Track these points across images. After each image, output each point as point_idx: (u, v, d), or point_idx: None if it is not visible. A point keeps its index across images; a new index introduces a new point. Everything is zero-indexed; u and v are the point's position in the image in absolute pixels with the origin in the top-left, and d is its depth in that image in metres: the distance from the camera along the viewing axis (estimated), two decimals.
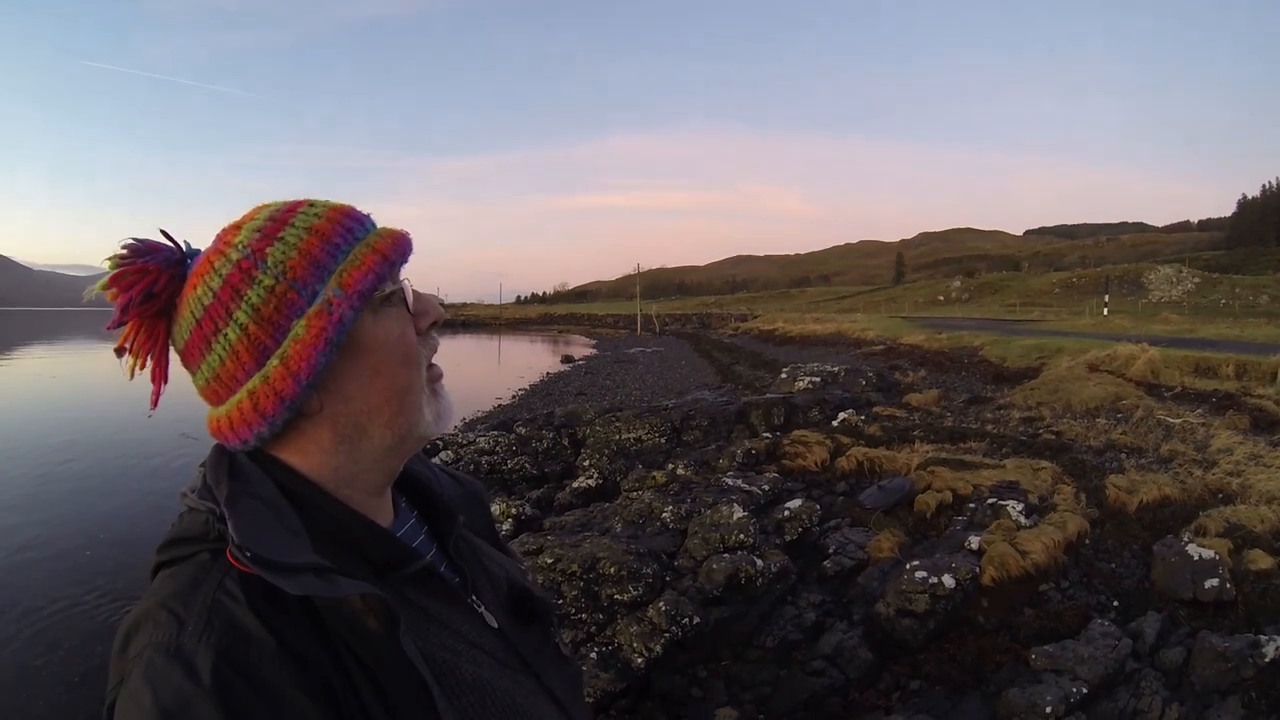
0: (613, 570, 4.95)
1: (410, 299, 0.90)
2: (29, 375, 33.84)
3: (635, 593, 4.81)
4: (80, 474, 12.63)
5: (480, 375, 30.86)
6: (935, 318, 49.58)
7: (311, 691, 0.69)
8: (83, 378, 31.90)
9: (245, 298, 0.81)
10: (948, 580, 4.79)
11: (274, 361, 0.81)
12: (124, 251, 0.84)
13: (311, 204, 0.89)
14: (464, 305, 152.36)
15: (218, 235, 0.86)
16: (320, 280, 0.83)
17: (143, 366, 0.87)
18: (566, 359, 36.53)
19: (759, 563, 5.11)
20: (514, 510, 8.29)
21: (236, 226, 0.86)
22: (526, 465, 10.91)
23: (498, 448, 11.48)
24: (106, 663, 0.75)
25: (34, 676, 5.84)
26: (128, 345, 0.85)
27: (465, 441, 12.02)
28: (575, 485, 9.31)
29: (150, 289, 0.82)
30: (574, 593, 4.87)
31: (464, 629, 0.89)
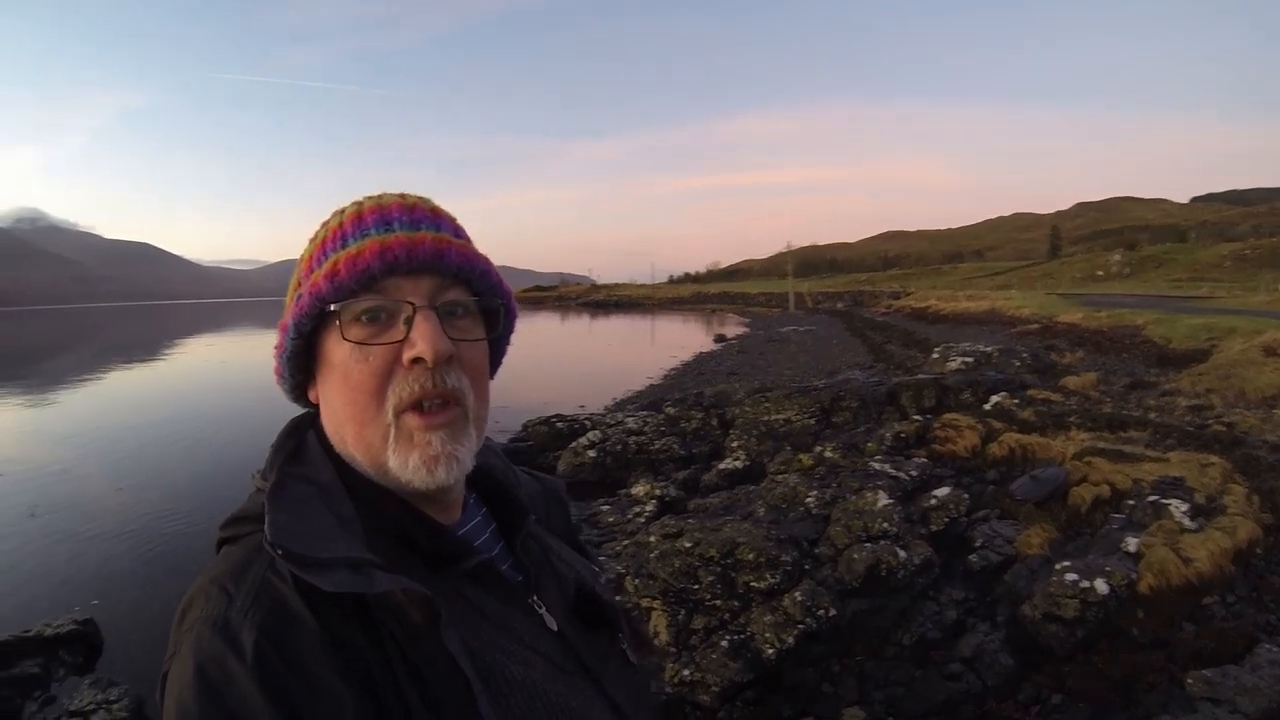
0: (751, 556, 4.86)
1: (397, 323, 0.85)
2: (202, 361, 36.74)
3: (772, 580, 4.69)
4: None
5: (632, 355, 31.16)
6: (1094, 294, 46.46)
7: (349, 676, 0.70)
8: (245, 362, 34.39)
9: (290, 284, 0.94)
10: (1100, 585, 4.41)
11: (279, 337, 0.91)
12: None
13: (357, 203, 0.92)
14: (617, 286, 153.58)
15: None
16: (306, 281, 0.88)
17: None
18: (719, 338, 36.20)
19: (901, 554, 4.88)
20: (658, 492, 8.29)
21: None
22: (674, 446, 10.89)
23: (646, 428, 11.49)
24: None
25: None
26: None
27: (613, 422, 12.09)
28: (722, 467, 9.22)
29: None
30: (710, 578, 4.81)
31: (520, 629, 0.88)
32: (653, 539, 5.50)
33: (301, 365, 0.91)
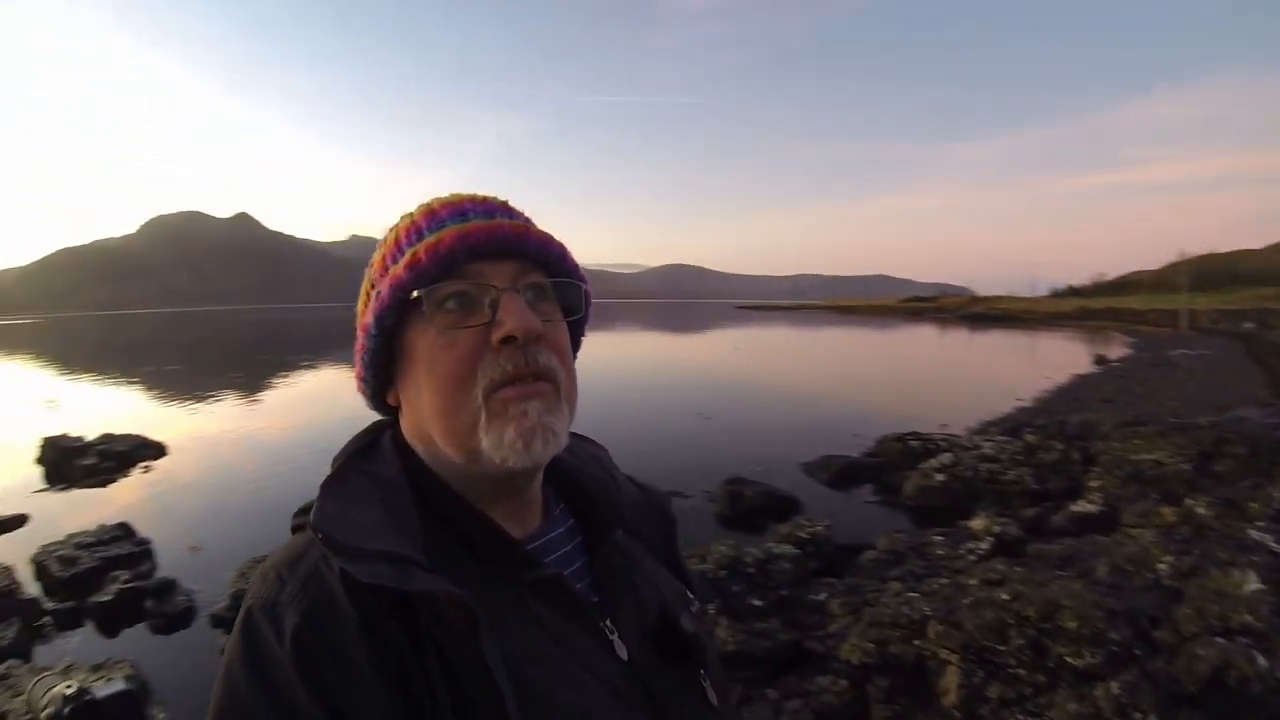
0: (1073, 625, 4.15)
1: (482, 306, 0.84)
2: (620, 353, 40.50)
3: (1091, 660, 3.95)
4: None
5: (1005, 373, 29.31)
6: None
7: (384, 670, 0.71)
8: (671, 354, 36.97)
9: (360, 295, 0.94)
10: None
11: (358, 342, 0.91)
12: None
13: (426, 204, 0.93)
14: (996, 299, 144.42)
15: None
16: (382, 279, 0.88)
17: None
18: (1099, 359, 32.75)
19: (1261, 661, 3.78)
20: (997, 528, 7.61)
21: None
22: (1027, 478, 10.07)
23: (1001, 455, 10.83)
24: None
25: None
26: None
27: (969, 445, 11.55)
28: (1074, 508, 8.24)
29: None
30: (1020, 641, 4.20)
31: (583, 651, 0.84)
32: (972, 582, 4.99)
33: (383, 365, 0.91)
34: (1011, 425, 14.16)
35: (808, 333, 63.61)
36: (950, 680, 4.24)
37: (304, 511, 0.84)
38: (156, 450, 14.44)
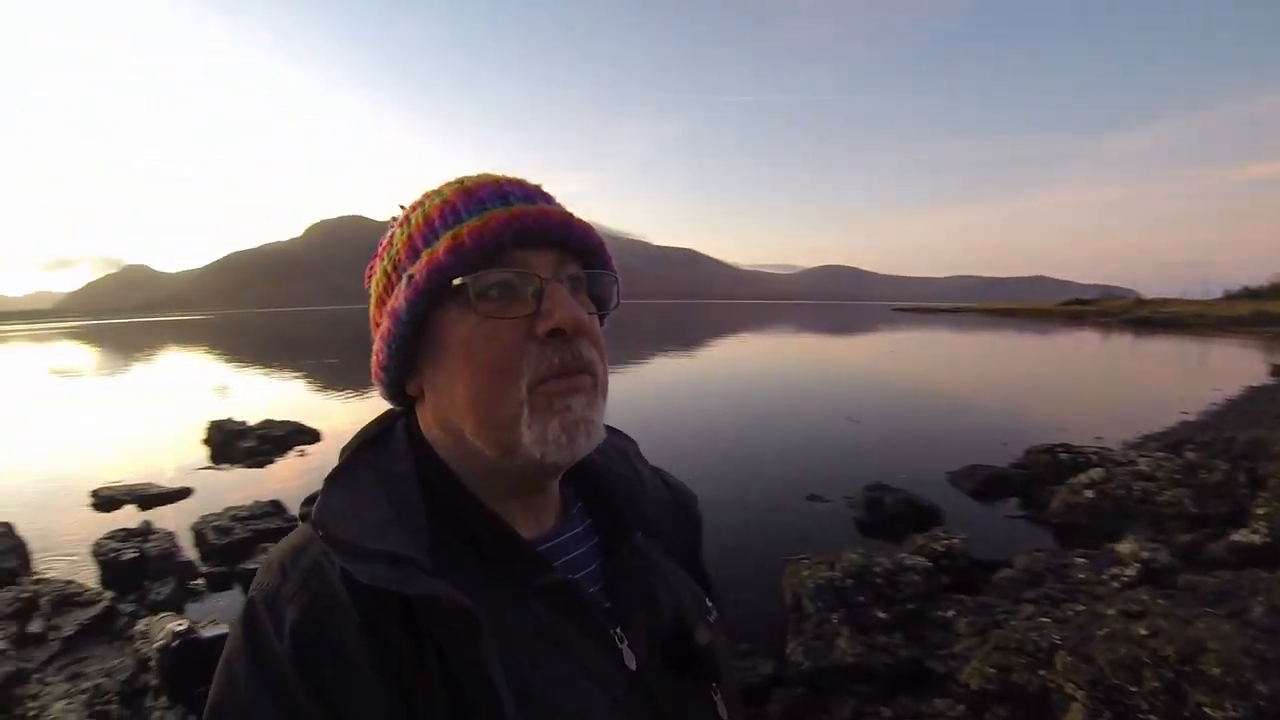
0: (1217, 671, 3.82)
1: (527, 296, 0.82)
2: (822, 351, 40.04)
3: (1233, 712, 3.61)
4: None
5: (1170, 384, 27.28)
6: None
7: (383, 670, 0.70)
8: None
9: (376, 277, 0.91)
10: None
11: (380, 329, 0.88)
12: None
13: (457, 181, 0.89)
14: (1164, 302, 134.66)
15: None
16: (412, 262, 0.84)
17: None
18: (1277, 370, 29.73)
19: None
20: (1145, 554, 7.09)
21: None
22: (1185, 500, 9.31)
23: (1158, 473, 10.05)
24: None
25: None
26: None
27: (1123, 460, 10.85)
28: (1235, 538, 7.57)
29: None
30: (1155, 683, 3.90)
31: (587, 658, 0.82)
32: (1110, 612, 4.68)
33: (408, 354, 0.87)
34: (1172, 440, 13.21)
35: (964, 336, 61.20)
36: (1074, 718, 3.99)
37: (308, 502, 0.84)
38: (311, 436, 15.25)
